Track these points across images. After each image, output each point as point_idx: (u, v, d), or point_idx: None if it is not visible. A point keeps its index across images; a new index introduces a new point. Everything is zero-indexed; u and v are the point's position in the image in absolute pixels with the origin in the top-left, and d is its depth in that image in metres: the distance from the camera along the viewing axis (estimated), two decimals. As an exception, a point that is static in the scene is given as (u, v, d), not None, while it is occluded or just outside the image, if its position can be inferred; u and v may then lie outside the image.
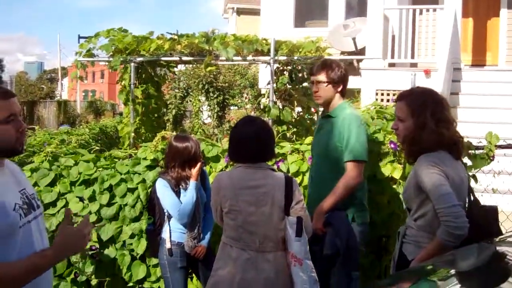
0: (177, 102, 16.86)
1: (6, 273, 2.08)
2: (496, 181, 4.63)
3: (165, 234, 3.94)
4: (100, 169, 4.75)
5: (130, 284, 4.54)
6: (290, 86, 7.44)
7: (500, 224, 3.04)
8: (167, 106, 14.66)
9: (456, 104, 9.18)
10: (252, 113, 14.17)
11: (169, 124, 15.55)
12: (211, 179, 4.16)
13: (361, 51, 10.70)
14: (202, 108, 17.33)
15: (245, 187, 3.04)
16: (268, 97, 7.41)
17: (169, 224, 3.93)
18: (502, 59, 11.47)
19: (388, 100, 9.42)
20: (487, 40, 11.76)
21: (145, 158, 4.71)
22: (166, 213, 3.95)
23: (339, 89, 3.72)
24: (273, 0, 13.31)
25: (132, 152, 5.06)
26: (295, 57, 7.36)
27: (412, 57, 10.26)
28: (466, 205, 2.95)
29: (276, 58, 7.28)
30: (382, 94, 9.92)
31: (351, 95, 10.89)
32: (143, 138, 7.69)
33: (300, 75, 7.42)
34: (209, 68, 7.62)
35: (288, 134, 6.83)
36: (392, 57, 10.27)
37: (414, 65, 10.42)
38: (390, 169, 4.23)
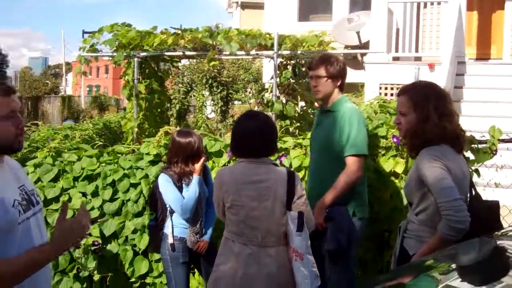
0: (181, 97, 16.86)
1: (6, 270, 2.08)
2: (499, 175, 4.61)
3: (167, 229, 3.95)
4: (103, 164, 4.76)
5: (132, 279, 4.55)
6: (294, 81, 7.44)
7: (502, 218, 3.03)
8: (171, 101, 14.65)
9: (460, 98, 9.14)
10: (256, 108, 14.15)
11: (173, 119, 15.57)
12: (213, 174, 4.16)
13: (365, 45, 10.66)
14: (206, 103, 17.33)
15: (247, 182, 3.03)
16: (271, 91, 7.41)
17: (171, 219, 3.93)
18: (507, 52, 11.39)
19: (392, 94, 9.39)
20: (492, 34, 11.69)
21: (148, 153, 4.72)
22: (168, 208, 3.95)
23: (338, 83, 3.72)
24: (277, -6, 13.27)
25: (135, 147, 5.06)
26: (299, 52, 7.35)
27: (416, 50, 10.22)
28: (468, 199, 2.94)
29: (279, 52, 7.27)
30: (386, 88, 9.89)
31: (355, 89, 10.88)
32: (146, 133, 7.70)
33: (303, 69, 7.40)
34: (212, 63, 7.60)
35: (291, 129, 6.82)
36: (396, 51, 10.22)
37: (418, 59, 10.38)
38: (393, 163, 4.22)
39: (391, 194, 4.23)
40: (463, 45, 10.31)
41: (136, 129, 7.84)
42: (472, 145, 4.11)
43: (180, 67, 14.29)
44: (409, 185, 2.96)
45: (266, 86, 9.92)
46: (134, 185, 4.60)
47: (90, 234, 4.44)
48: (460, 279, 2.00)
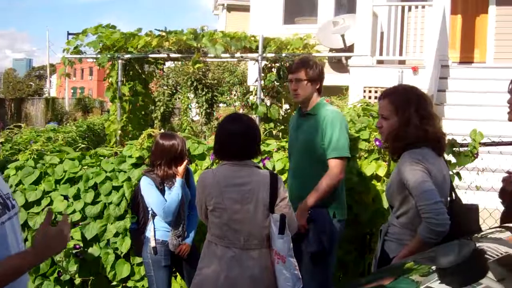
0: (166, 100, 16.81)
1: None
2: (480, 178, 4.65)
3: (149, 232, 3.92)
4: (85, 167, 4.73)
5: (114, 283, 4.52)
6: (278, 83, 7.44)
7: (482, 221, 3.05)
8: (155, 103, 14.63)
9: (443, 101, 9.21)
10: (241, 110, 14.15)
11: (157, 122, 15.51)
12: (196, 177, 4.15)
13: (350, 48, 10.71)
14: (191, 106, 17.28)
15: (230, 185, 3.03)
16: (256, 94, 7.41)
17: (153, 222, 3.91)
18: (490, 56, 11.52)
19: (376, 97, 9.43)
20: (475, 37, 11.80)
21: (130, 156, 4.69)
22: (150, 212, 3.93)
23: (317, 86, 3.74)
24: (263, -4, 13.30)
25: (117, 150, 5.03)
26: (283, 54, 7.36)
27: (400, 54, 10.27)
28: (448, 202, 2.96)
29: (264, 55, 7.28)
30: (370, 91, 9.92)
31: (339, 92, 10.91)
32: (130, 136, 7.66)
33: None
34: (197, 65, 7.61)
35: (274, 132, 6.83)
36: (381, 54, 10.27)
37: (402, 62, 10.44)
38: (375, 166, 4.23)
39: (373, 197, 4.25)
40: (447, 48, 10.39)
41: (119, 132, 7.80)
42: (454, 148, 4.13)
43: (164, 70, 14.26)
44: (391, 188, 2.97)
45: (251, 88, 9.93)
46: (116, 188, 4.57)
47: (71, 237, 4.40)
48: (439, 281, 2.01)
